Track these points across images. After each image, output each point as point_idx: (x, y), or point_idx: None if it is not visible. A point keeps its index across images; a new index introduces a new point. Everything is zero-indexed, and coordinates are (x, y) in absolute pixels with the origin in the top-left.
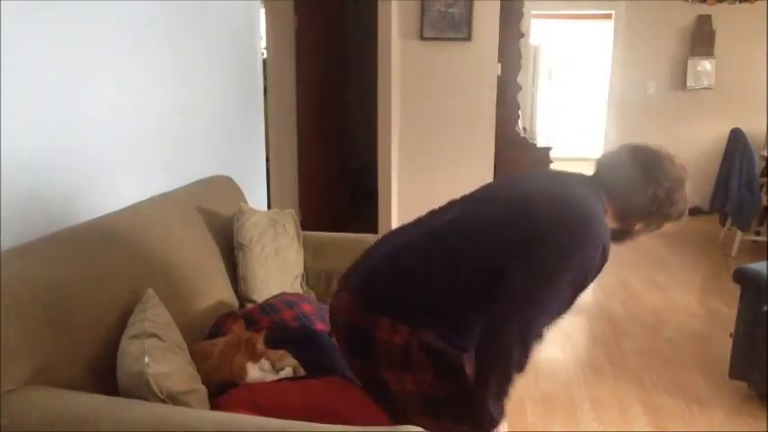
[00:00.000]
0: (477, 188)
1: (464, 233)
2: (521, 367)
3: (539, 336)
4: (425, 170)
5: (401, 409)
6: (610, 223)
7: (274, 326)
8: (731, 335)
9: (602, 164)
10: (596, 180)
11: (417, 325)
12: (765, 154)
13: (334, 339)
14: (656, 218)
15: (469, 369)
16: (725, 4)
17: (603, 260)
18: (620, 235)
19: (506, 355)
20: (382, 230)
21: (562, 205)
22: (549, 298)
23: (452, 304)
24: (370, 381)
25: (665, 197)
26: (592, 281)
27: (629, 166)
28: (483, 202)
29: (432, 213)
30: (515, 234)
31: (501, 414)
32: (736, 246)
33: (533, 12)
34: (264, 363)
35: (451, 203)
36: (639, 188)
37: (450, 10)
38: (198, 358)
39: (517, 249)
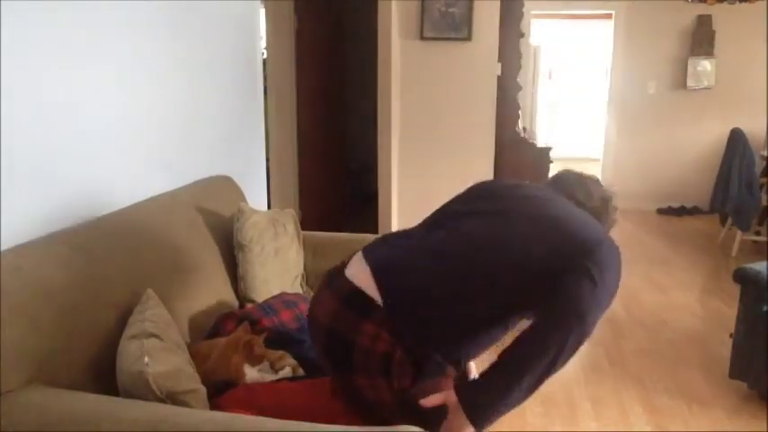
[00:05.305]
0: (466, 197)
1: (479, 250)
2: (564, 361)
3: (587, 334)
4: (425, 170)
5: (378, 416)
6: None
7: (274, 326)
8: (731, 335)
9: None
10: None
11: (407, 338)
12: (765, 154)
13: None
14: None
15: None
16: (725, 4)
17: None
18: None
19: (561, 344)
20: (382, 230)
21: (595, 227)
22: (596, 303)
23: (460, 327)
24: (344, 387)
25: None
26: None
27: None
28: (495, 218)
29: (431, 224)
30: (556, 249)
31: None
32: (736, 246)
33: (533, 12)
34: (263, 363)
35: (446, 215)
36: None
37: (450, 10)
38: (198, 358)
39: (562, 263)
